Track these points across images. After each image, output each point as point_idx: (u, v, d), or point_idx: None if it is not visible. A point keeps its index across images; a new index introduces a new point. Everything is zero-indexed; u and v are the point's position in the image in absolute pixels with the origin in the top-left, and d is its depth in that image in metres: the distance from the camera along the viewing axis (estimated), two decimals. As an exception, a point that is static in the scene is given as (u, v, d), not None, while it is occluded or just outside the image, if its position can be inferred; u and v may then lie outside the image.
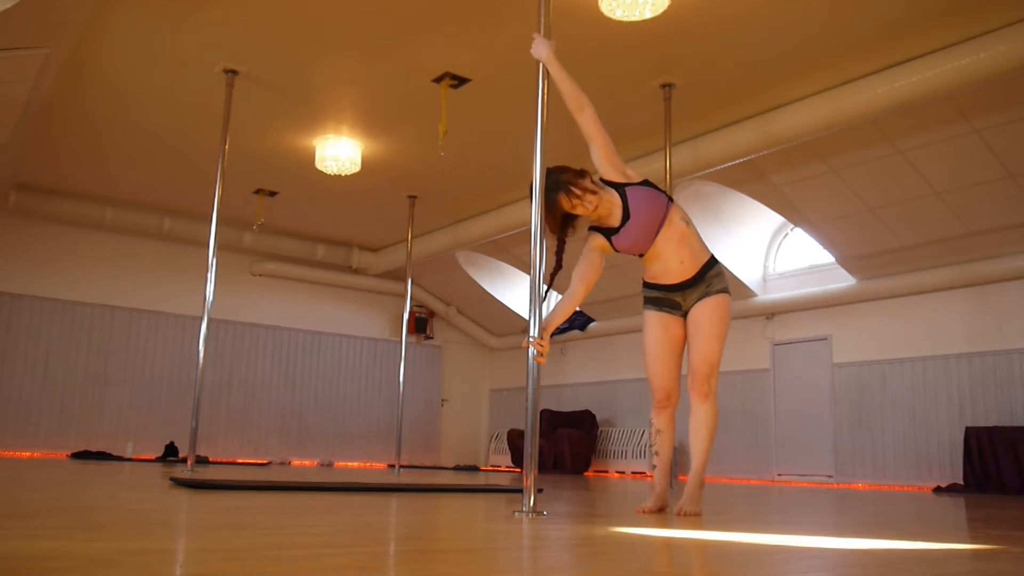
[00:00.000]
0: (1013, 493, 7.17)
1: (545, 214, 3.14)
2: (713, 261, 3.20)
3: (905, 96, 5.96)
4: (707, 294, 3.14)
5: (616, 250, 3.16)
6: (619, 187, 3.11)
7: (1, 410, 9.55)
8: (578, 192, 3.06)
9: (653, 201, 3.10)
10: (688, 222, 3.17)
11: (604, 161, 3.14)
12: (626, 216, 3.08)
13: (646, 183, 3.15)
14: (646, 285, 3.26)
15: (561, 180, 3.09)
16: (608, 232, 3.13)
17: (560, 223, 3.13)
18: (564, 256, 3.17)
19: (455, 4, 5.50)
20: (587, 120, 3.13)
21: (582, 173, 3.12)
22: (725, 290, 3.17)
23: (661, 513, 3.20)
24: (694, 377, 3.16)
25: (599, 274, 3.14)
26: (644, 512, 3.18)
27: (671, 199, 3.19)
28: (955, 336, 8.24)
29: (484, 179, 8.87)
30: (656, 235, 3.11)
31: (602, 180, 3.16)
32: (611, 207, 3.09)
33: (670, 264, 3.15)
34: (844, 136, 7.04)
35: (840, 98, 6.31)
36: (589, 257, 3.12)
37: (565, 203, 3.08)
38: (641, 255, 3.19)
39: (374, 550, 1.76)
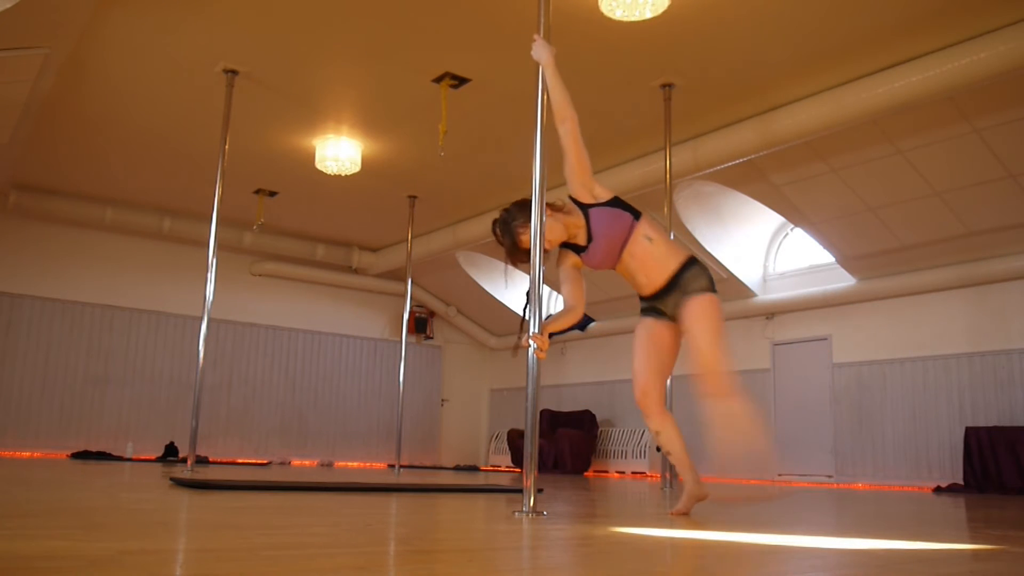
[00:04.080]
0: (1013, 493, 7.17)
1: (508, 255, 3.24)
2: (688, 264, 3.14)
3: (905, 96, 5.96)
4: (684, 296, 3.10)
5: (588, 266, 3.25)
6: (584, 208, 3.15)
7: (1, 410, 9.54)
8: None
9: (615, 222, 3.13)
10: (652, 238, 3.14)
11: (575, 179, 3.16)
12: (590, 237, 3.14)
13: (613, 201, 3.17)
14: (638, 297, 3.33)
15: (518, 229, 3.19)
16: (577, 249, 3.21)
17: (526, 256, 3.22)
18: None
19: (455, 4, 5.50)
20: (567, 133, 3.14)
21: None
22: (705, 289, 3.09)
23: (700, 503, 3.21)
24: (699, 380, 3.04)
25: (583, 286, 3.22)
26: (676, 514, 3.12)
27: (637, 215, 3.17)
28: (955, 336, 8.23)
29: (484, 179, 8.87)
30: (620, 253, 3.16)
31: (570, 198, 3.19)
32: (576, 229, 3.17)
33: (638, 279, 3.21)
34: (844, 136, 7.04)
35: (840, 98, 6.31)
36: (570, 276, 3.21)
37: (525, 243, 3.19)
38: (611, 268, 3.25)
39: (374, 550, 1.76)
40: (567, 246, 3.23)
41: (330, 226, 10.99)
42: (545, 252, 3.21)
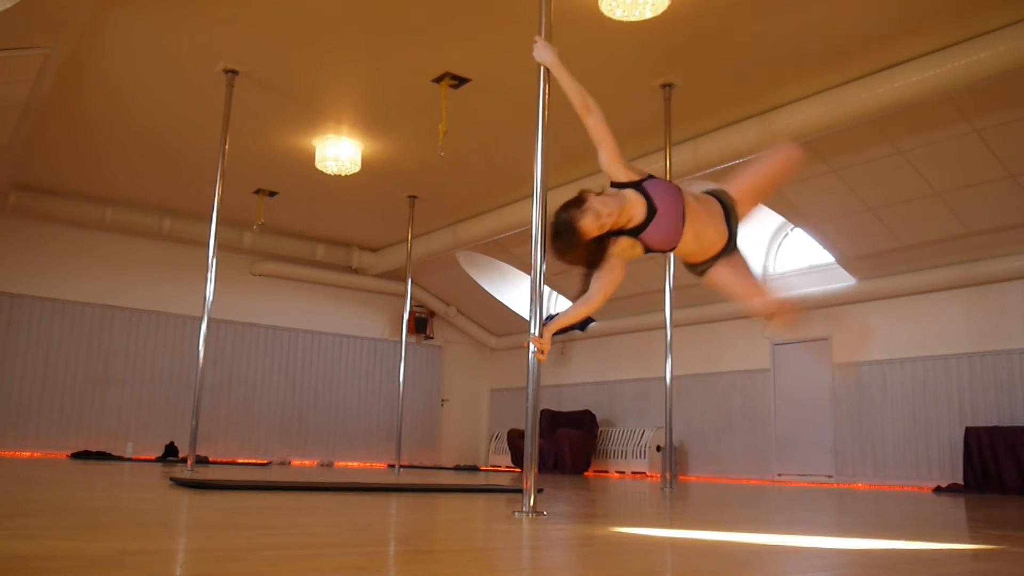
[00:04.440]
0: (1013, 493, 7.17)
1: (569, 256, 2.92)
2: (720, 197, 3.14)
3: (905, 96, 5.96)
4: (732, 201, 3.16)
5: (648, 248, 3.01)
6: (636, 184, 3.00)
7: (1, 410, 9.54)
8: (596, 208, 2.87)
9: (671, 192, 3.05)
10: (698, 197, 3.10)
11: (614, 164, 3.04)
12: (652, 210, 2.95)
13: (652, 176, 3.11)
14: (697, 267, 3.20)
15: (573, 214, 2.87)
16: (633, 232, 2.95)
17: (590, 253, 2.94)
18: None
19: (455, 4, 5.50)
20: (595, 124, 3.06)
21: (582, 198, 2.93)
22: (724, 192, 3.18)
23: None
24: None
25: (619, 283, 3.02)
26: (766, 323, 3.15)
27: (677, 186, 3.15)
28: (955, 336, 8.23)
29: (484, 179, 8.87)
30: (684, 223, 3.00)
31: (614, 184, 3.08)
32: (633, 208, 2.96)
33: (710, 235, 3.08)
34: (844, 136, 7.03)
35: (840, 98, 6.31)
36: (611, 266, 2.97)
37: (592, 227, 2.87)
38: (672, 248, 3.05)
39: (374, 550, 1.76)
40: (617, 233, 2.97)
41: (330, 226, 10.99)
42: (603, 244, 2.94)
